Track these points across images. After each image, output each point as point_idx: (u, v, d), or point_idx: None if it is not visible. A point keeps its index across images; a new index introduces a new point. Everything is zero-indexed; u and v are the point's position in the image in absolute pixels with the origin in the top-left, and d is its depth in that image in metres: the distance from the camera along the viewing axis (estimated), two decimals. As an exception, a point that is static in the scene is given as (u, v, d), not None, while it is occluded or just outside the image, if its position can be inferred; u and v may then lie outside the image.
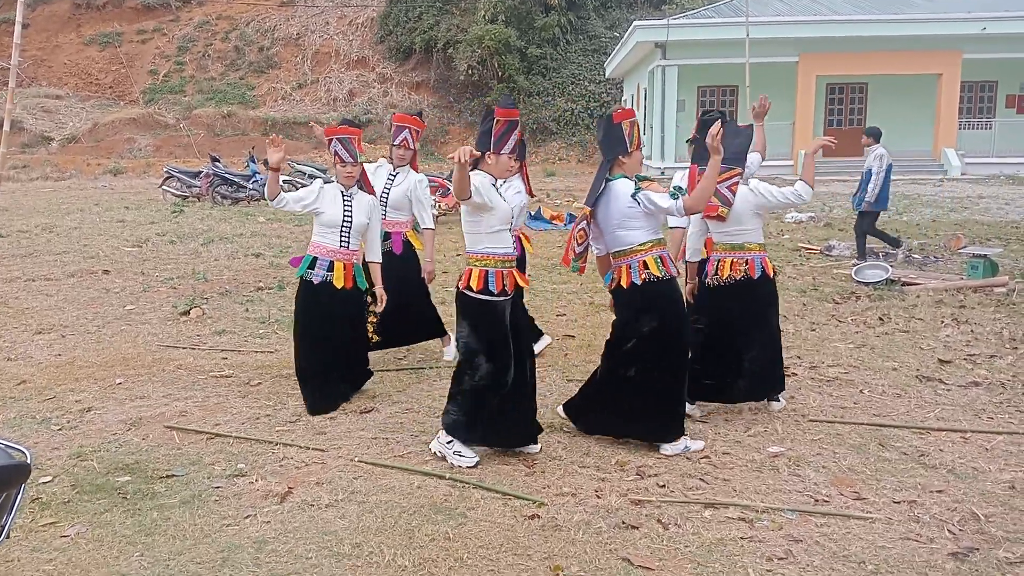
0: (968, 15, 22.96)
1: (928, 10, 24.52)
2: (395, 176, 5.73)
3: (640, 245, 4.14)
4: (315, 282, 4.92)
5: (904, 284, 8.43)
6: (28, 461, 1.78)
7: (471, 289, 4.02)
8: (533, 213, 14.12)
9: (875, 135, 9.92)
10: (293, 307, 5.16)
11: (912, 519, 3.48)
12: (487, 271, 4.02)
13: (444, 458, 4.12)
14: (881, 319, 7.11)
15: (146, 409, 4.96)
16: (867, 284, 8.55)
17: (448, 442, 4.13)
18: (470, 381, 4.07)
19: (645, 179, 4.20)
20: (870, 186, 9.66)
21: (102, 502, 3.70)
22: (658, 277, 4.12)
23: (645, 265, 4.12)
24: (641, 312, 4.16)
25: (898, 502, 3.64)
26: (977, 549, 3.20)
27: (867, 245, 10.05)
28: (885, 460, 4.12)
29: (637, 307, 4.18)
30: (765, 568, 3.11)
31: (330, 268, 4.93)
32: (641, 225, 4.14)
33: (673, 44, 23.66)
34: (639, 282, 4.12)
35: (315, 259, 4.95)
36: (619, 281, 4.20)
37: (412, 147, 5.74)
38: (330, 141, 4.90)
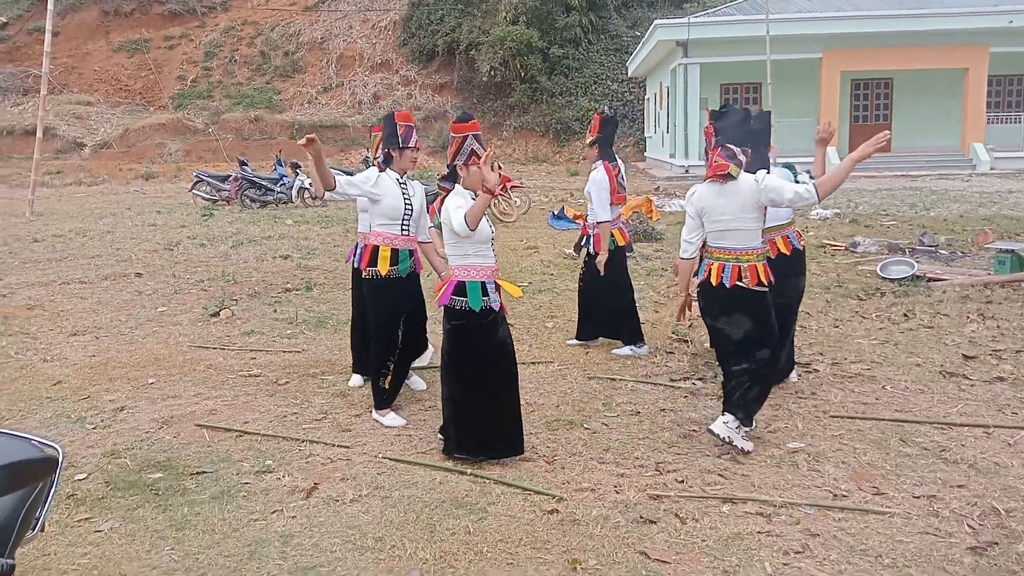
0: (995, 8, 22.64)
1: (953, 4, 24.18)
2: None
3: None
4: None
5: (930, 280, 8.37)
6: (59, 456, 1.89)
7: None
8: (556, 212, 14.11)
9: None
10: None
11: (931, 514, 3.49)
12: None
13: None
14: (906, 315, 7.07)
15: (177, 408, 5.09)
16: (892, 280, 8.50)
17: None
18: None
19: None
20: None
21: (135, 498, 3.82)
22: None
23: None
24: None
25: (917, 497, 3.66)
26: (997, 543, 3.21)
27: (894, 241, 9.96)
28: (906, 455, 4.13)
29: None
30: (781, 562, 3.14)
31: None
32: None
33: (694, 42, 23.57)
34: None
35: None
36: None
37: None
38: (464, 139, 4.33)
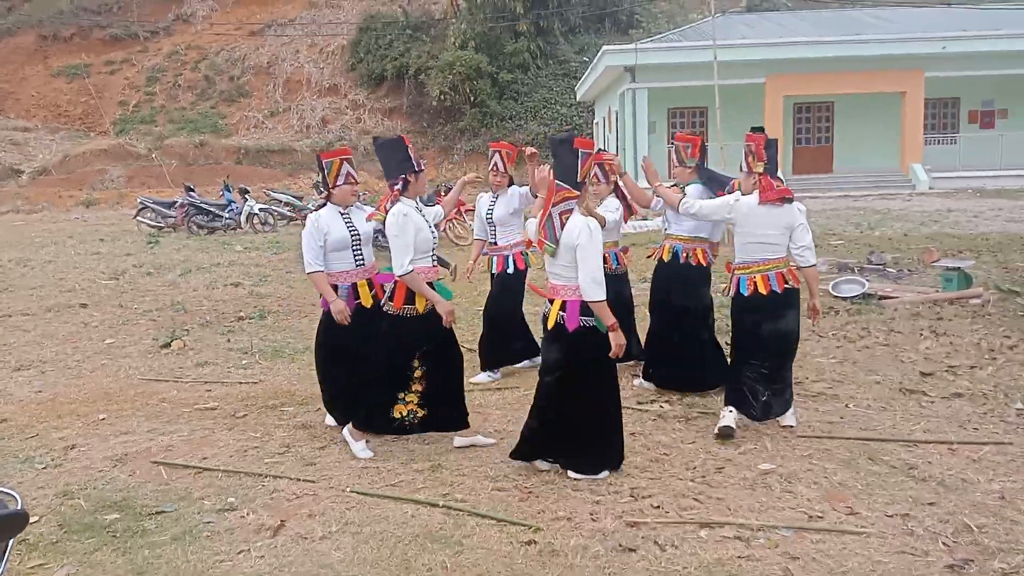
0: (929, 35, 23.53)
1: (889, 31, 25.09)
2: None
3: None
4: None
5: (881, 298, 8.55)
6: (20, 508, 1.75)
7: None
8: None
9: None
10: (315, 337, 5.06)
11: (906, 532, 3.51)
12: None
13: None
14: (861, 334, 7.20)
15: (131, 444, 4.89)
16: (845, 299, 8.65)
17: None
18: None
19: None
20: None
21: (91, 541, 3.64)
22: None
23: None
24: None
25: (891, 516, 3.68)
26: (972, 561, 3.24)
27: (843, 260, 10.17)
28: (875, 474, 4.17)
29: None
30: (765, 586, 3.12)
31: (355, 291, 4.78)
32: None
33: (642, 68, 23.97)
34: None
35: (336, 287, 4.74)
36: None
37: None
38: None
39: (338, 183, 4.78)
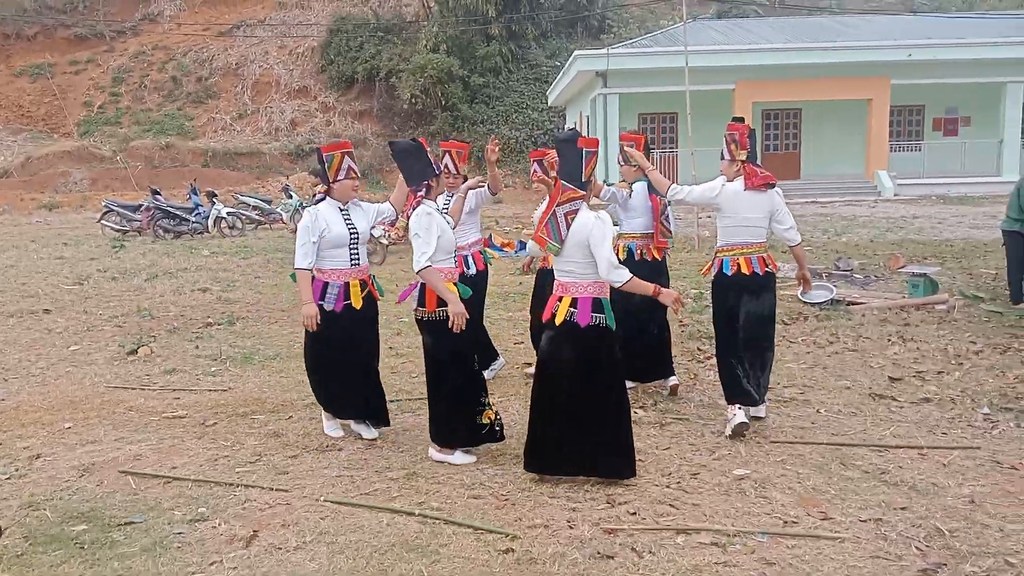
0: (895, 43, 23.95)
1: (856, 38, 25.48)
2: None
3: None
4: (337, 310, 4.68)
5: (849, 304, 8.66)
6: None
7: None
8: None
9: None
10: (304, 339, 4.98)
11: (880, 537, 3.55)
12: None
13: None
14: (830, 340, 7.28)
15: (98, 454, 4.79)
16: (814, 304, 8.75)
17: None
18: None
19: None
20: None
21: (58, 553, 3.55)
22: None
23: None
24: None
25: (864, 520, 3.71)
26: (945, 564, 3.28)
27: (811, 266, 10.28)
28: (848, 479, 4.20)
29: None
30: (742, 593, 3.13)
31: (347, 291, 4.71)
32: None
33: (613, 73, 24.09)
34: None
35: (326, 285, 4.67)
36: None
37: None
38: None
39: (339, 177, 4.69)
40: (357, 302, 4.72)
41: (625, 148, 5.62)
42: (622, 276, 4.01)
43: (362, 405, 4.93)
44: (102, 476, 4.45)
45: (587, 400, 4.14)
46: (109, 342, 7.75)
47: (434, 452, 4.59)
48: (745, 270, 4.91)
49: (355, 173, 4.72)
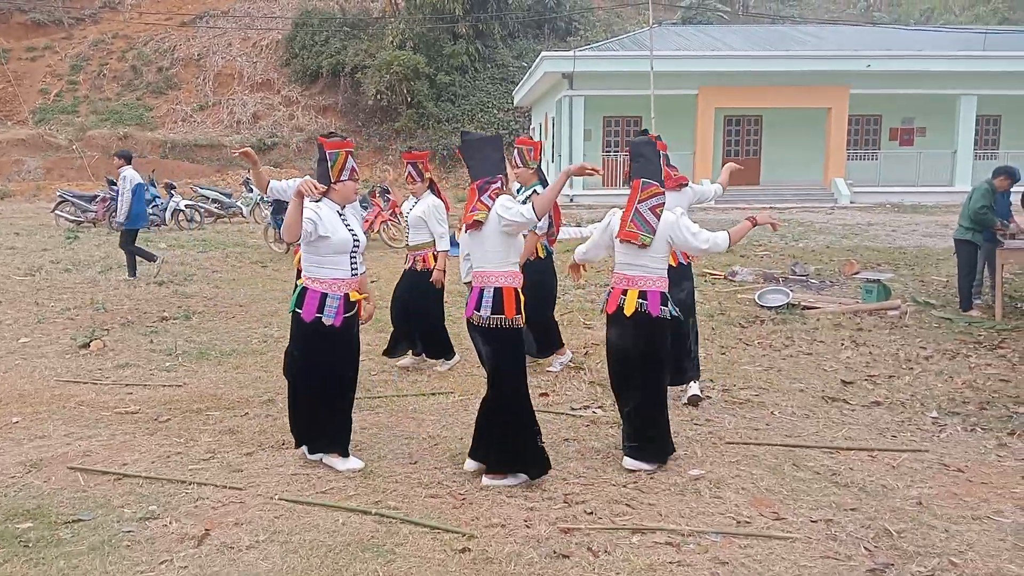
0: (855, 53, 24.42)
1: (817, 48, 25.95)
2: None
3: None
4: (337, 324, 4.24)
5: (804, 308, 8.80)
6: None
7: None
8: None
9: (125, 157, 10.65)
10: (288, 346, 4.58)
11: (830, 537, 3.61)
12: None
13: None
14: (785, 343, 7.39)
15: (47, 449, 4.67)
16: (770, 308, 8.88)
17: None
18: None
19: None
20: (120, 206, 10.41)
21: (1, 552, 3.46)
22: None
23: None
24: None
25: (815, 521, 3.77)
26: (892, 565, 3.35)
27: (768, 271, 10.43)
28: (800, 480, 4.27)
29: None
30: (695, 592, 3.16)
31: (347, 303, 4.29)
32: None
33: (580, 75, 24.20)
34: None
35: (324, 296, 4.22)
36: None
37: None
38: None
39: (342, 178, 4.23)
40: (368, 315, 4.52)
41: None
42: (722, 243, 4.49)
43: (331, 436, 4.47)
44: (50, 472, 4.34)
45: (653, 389, 4.46)
46: (61, 335, 7.58)
47: (490, 479, 4.22)
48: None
49: (358, 174, 4.31)
